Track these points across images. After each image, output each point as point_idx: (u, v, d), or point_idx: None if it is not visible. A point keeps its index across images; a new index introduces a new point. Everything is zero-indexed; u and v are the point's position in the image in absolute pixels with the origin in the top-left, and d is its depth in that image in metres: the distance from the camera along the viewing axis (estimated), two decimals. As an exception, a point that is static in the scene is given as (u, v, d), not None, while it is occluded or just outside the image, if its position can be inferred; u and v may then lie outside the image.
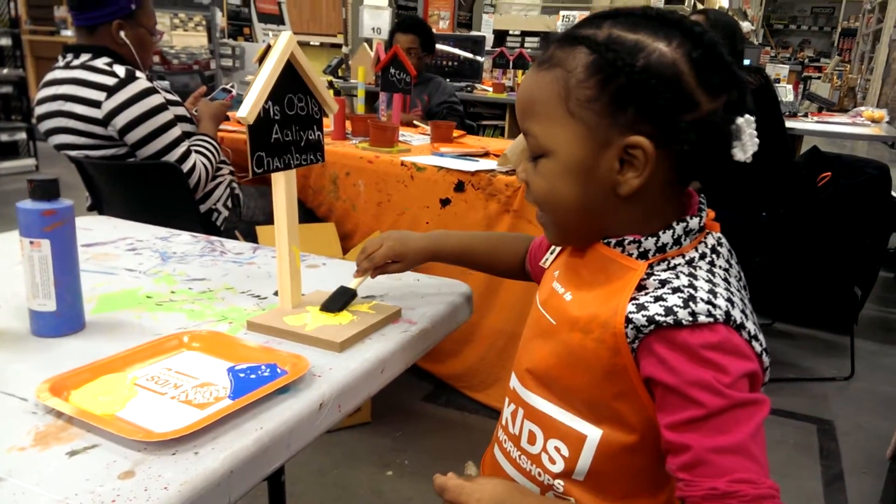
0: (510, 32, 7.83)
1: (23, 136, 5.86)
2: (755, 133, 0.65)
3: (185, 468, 0.58)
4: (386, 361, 0.84)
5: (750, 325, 0.63)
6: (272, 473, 1.36)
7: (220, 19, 8.15)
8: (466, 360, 2.32)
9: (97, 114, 1.93)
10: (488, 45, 5.92)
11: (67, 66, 1.99)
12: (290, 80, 0.87)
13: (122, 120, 1.93)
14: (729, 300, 0.63)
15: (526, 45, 7.30)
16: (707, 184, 2.50)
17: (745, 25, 4.72)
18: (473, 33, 6.63)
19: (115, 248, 1.23)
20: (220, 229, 2.26)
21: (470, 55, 5.12)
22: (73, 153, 2.02)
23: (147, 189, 2.09)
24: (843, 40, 15.80)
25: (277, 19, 9.35)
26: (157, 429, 0.63)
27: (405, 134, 2.80)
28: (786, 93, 4.49)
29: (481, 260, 1.00)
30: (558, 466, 0.72)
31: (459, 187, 2.15)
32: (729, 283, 0.67)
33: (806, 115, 4.46)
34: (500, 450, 0.81)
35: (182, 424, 0.63)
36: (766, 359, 0.64)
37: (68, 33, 7.04)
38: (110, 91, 1.91)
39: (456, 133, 2.76)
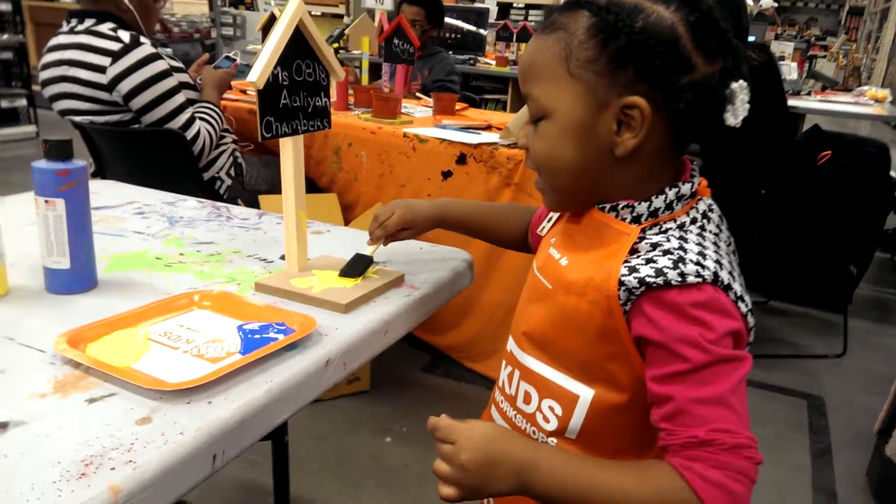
0: (514, 5, 7.77)
1: (23, 102, 5.84)
2: (747, 99, 0.67)
3: (199, 416, 0.61)
4: (390, 323, 0.87)
5: (737, 287, 0.66)
6: (276, 433, 1.40)
7: (222, -13, 8.08)
8: (465, 331, 2.36)
9: (102, 79, 1.93)
10: (492, 18, 5.88)
11: (72, 32, 1.99)
12: (299, 46, 0.89)
13: (126, 85, 1.94)
14: (717, 262, 0.66)
15: (530, 17, 7.25)
16: (708, 160, 2.52)
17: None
18: (477, 5, 6.57)
19: (122, 211, 1.25)
20: (223, 197, 2.28)
21: (473, 28, 5.10)
22: (77, 118, 2.03)
23: (151, 155, 2.11)
24: (850, 19, 15.65)
25: (279, -12, 9.26)
26: (171, 380, 0.65)
27: (407, 106, 2.80)
28: (790, 70, 4.48)
29: (485, 228, 1.03)
30: (552, 425, 0.75)
31: (461, 160, 2.16)
32: (718, 246, 0.69)
33: (809, 94, 4.46)
34: (497, 410, 0.84)
35: (195, 376, 0.66)
36: (751, 319, 0.67)
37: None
38: (115, 56, 1.91)
39: (458, 106, 2.77)
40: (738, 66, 0.68)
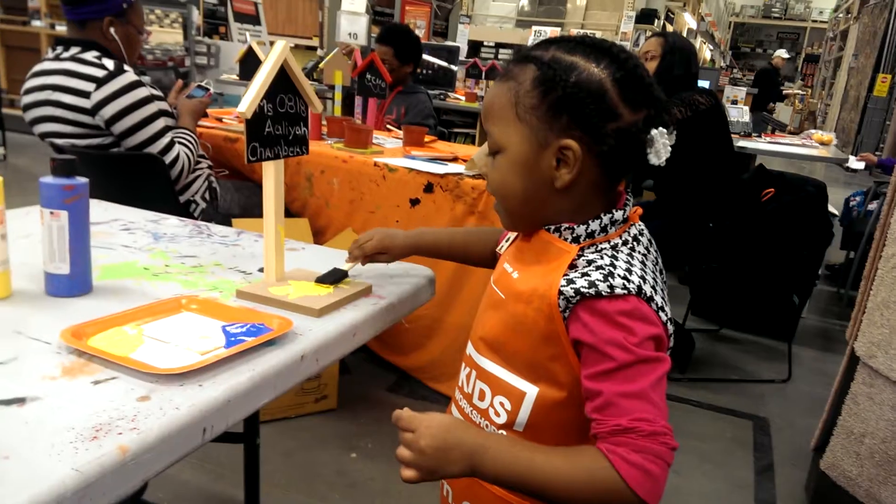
0: (485, 44, 8.02)
1: (-7, 125, 5.84)
2: (668, 143, 0.80)
3: (191, 395, 0.71)
4: (358, 327, 0.98)
5: (658, 299, 0.78)
6: (248, 436, 1.48)
7: (197, 17, 8.19)
8: (430, 352, 2.45)
9: (86, 103, 2.02)
10: (462, 55, 6.09)
11: (57, 58, 2.08)
12: (283, 82, 1.00)
13: (109, 110, 2.03)
14: (642, 277, 0.77)
15: (500, 56, 7.49)
16: (660, 194, 2.72)
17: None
18: (449, 43, 6.79)
19: (109, 227, 1.34)
20: (197, 220, 2.36)
21: (445, 64, 5.28)
22: (59, 141, 2.11)
23: (129, 179, 2.19)
24: (806, 66, 16.35)
25: (253, 19, 9.40)
26: (165, 367, 0.75)
27: (378, 137, 2.93)
28: (742, 114, 4.74)
29: (456, 253, 1.15)
30: (502, 419, 0.86)
31: (429, 188, 2.28)
32: (645, 265, 0.81)
33: (759, 136, 4.71)
34: (457, 407, 0.95)
35: (186, 364, 0.75)
36: (670, 327, 0.79)
37: (40, 24, 7.03)
38: (99, 82, 2.01)
39: (427, 138, 2.90)
40: (660, 115, 0.81)
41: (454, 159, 2.55)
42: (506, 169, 0.83)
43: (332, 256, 1.26)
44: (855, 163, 4.12)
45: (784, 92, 10.19)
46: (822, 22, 15.72)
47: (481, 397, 0.89)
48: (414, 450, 0.74)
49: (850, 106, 10.99)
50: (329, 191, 2.51)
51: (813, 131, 4.89)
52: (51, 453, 0.59)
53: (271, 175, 1.02)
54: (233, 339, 0.85)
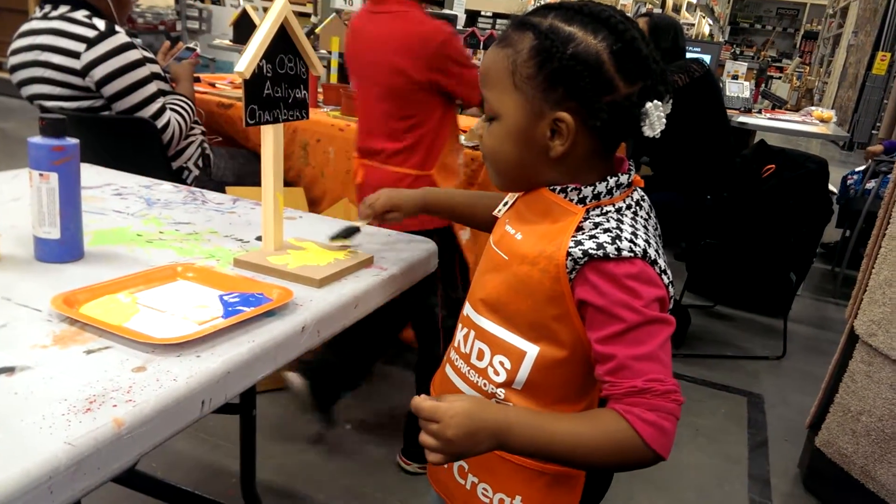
0: (482, 13, 7.89)
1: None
2: (662, 115, 0.79)
3: (189, 366, 0.68)
4: (359, 298, 0.95)
5: (661, 262, 0.79)
6: (244, 406, 1.46)
7: (190, -20, 8.02)
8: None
9: (76, 64, 1.96)
10: (460, 25, 5.99)
11: (45, 17, 2.01)
12: (283, 42, 0.96)
13: (100, 72, 1.97)
14: (647, 241, 0.78)
15: (497, 26, 7.37)
16: (657, 169, 2.69)
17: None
18: (446, 11, 6.67)
19: (101, 192, 1.29)
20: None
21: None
22: (47, 103, 2.05)
23: (120, 143, 2.13)
24: (804, 42, 16.24)
25: (247, -17, 9.23)
26: (162, 336, 0.72)
27: (376, 105, 2.87)
28: (742, 89, 4.68)
29: (463, 212, 1.14)
30: (501, 377, 0.86)
31: (427, 158, 2.24)
32: (647, 229, 0.82)
33: (760, 112, 4.66)
34: (452, 367, 0.95)
35: (182, 334, 0.72)
36: (671, 289, 0.80)
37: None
38: (90, 43, 1.94)
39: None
40: (655, 87, 0.79)
41: (453, 129, 2.50)
42: (501, 136, 0.83)
43: (330, 225, 1.23)
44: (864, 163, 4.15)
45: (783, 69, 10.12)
46: (822, -1, 15.60)
47: (480, 357, 0.89)
48: (441, 440, 0.74)
49: (849, 84, 10.93)
50: (325, 160, 2.46)
51: (813, 108, 4.85)
52: (42, 426, 0.56)
53: (270, 140, 0.98)
54: (231, 308, 0.82)
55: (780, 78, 8.01)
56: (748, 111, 4.54)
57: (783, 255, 2.81)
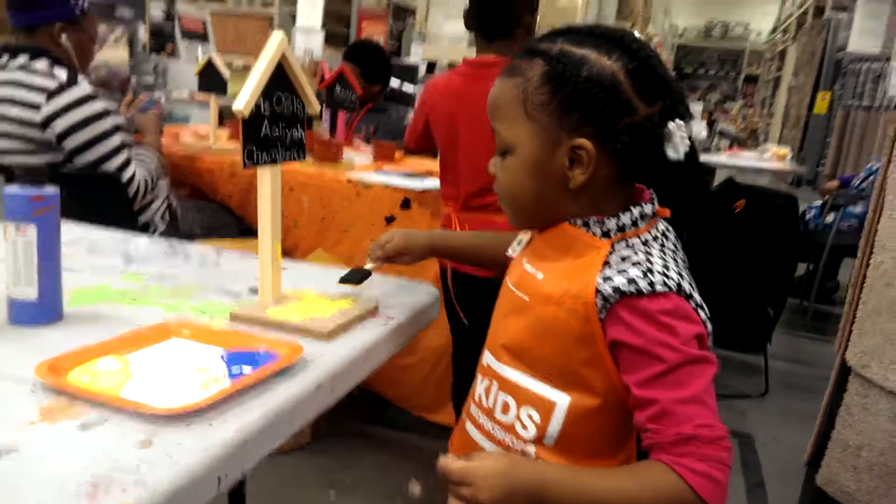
0: (438, 63, 8.00)
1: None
2: (686, 135, 0.75)
3: (202, 437, 0.59)
4: (370, 351, 0.87)
5: (696, 296, 0.74)
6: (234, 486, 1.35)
7: (144, 34, 7.95)
8: (411, 378, 2.33)
9: (35, 117, 1.87)
10: (421, 74, 6.05)
11: (3, 68, 1.92)
12: (279, 79, 0.90)
13: (61, 124, 1.87)
14: (679, 274, 0.73)
15: (455, 75, 7.46)
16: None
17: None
18: (406, 60, 6.74)
19: (73, 248, 1.20)
20: (162, 241, 2.21)
21: (398, 82, 5.19)
22: (4, 159, 1.94)
23: (84, 199, 2.02)
24: (746, 85, 16.91)
25: (202, 37, 9.19)
26: (162, 406, 0.63)
27: (347, 152, 2.82)
28: (699, 129, 4.80)
29: (469, 254, 1.10)
30: (530, 432, 0.79)
31: (405, 204, 2.19)
32: (676, 261, 0.77)
33: (718, 150, 4.78)
34: (473, 424, 0.87)
35: (188, 402, 0.64)
36: (709, 326, 0.74)
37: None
38: (51, 94, 1.86)
39: (397, 155, 2.81)
40: (676, 106, 0.75)
41: (429, 174, 2.46)
42: (516, 169, 0.78)
43: (321, 273, 1.16)
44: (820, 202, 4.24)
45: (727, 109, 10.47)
46: (761, 44, 16.34)
47: (504, 410, 0.81)
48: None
49: (792, 123, 11.36)
50: (298, 209, 2.38)
51: (769, 146, 4.99)
52: (38, 519, 0.47)
53: (268, 182, 0.92)
54: (236, 368, 0.74)
55: (724, 120, 8.29)
56: (706, 150, 4.64)
57: (760, 290, 2.81)
